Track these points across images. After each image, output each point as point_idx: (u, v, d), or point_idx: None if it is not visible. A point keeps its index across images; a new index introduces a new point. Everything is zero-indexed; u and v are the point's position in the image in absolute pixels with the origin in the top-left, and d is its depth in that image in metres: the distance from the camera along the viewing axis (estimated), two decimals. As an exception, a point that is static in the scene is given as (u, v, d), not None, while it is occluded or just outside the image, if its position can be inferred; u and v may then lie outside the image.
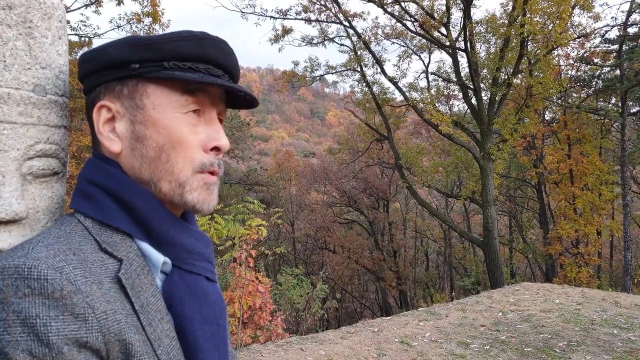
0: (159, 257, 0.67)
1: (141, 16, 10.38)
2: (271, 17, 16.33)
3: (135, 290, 0.62)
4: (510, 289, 7.35)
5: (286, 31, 16.46)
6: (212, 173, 0.71)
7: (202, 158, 0.69)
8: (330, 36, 17.17)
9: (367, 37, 16.45)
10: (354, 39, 16.55)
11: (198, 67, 0.68)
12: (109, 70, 0.68)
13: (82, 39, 10.37)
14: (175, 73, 0.66)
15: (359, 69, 16.97)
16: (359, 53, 16.84)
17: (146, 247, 0.67)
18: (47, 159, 0.70)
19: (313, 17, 16.45)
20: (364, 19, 39.58)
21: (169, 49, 0.66)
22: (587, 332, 5.10)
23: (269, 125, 79.87)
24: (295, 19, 16.48)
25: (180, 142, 0.68)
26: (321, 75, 18.43)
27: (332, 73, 18.03)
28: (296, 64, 17.93)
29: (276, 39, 16.53)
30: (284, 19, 16.44)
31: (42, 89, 0.69)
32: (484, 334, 5.08)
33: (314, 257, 25.48)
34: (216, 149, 0.71)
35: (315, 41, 17.11)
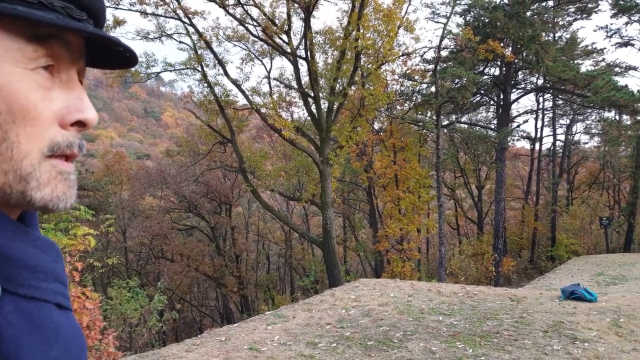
0: None
1: None
2: (101, 4, 14.75)
3: None
4: (350, 285, 7.76)
5: (118, 22, 15.08)
6: (67, 158, 0.48)
7: (57, 136, 0.46)
8: (169, 32, 16.27)
9: (208, 37, 16.00)
10: (195, 37, 15.95)
11: (53, 4, 0.44)
12: None
13: None
14: (19, 8, 0.42)
15: (199, 69, 16.41)
16: (199, 52, 16.26)
17: None
18: None
19: (149, 10, 15.39)
20: (205, 19, 38.55)
21: None
22: (419, 321, 5.62)
23: (95, 124, 72.54)
24: (130, 9, 15.20)
25: (26, 112, 0.44)
26: (158, 73, 17.37)
27: (171, 71, 17.15)
28: (129, 58, 16.51)
29: (106, 30, 14.97)
30: (116, 8, 15.02)
31: None
32: (330, 332, 5.22)
33: (149, 267, 23.79)
34: (79, 123, 0.49)
35: (151, 36, 16.03)
